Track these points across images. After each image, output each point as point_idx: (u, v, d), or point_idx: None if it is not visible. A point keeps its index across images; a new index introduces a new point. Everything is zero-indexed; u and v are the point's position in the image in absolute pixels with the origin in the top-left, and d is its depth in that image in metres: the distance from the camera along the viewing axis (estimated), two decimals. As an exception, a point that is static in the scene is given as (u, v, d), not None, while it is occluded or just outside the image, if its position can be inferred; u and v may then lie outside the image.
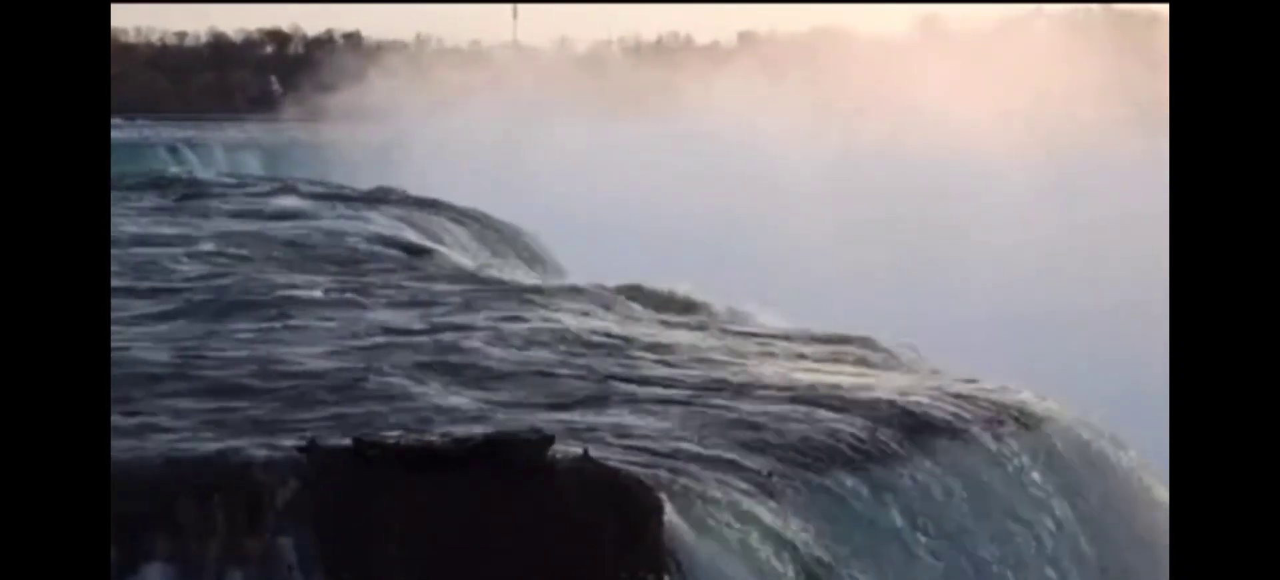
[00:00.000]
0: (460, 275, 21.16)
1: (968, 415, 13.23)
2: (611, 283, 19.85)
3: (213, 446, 10.80)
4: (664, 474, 10.82)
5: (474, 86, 74.22)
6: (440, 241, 26.95)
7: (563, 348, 15.15)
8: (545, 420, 11.89)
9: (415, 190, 35.16)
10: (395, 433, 10.79)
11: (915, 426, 12.80)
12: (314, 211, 29.36)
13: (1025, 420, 13.54)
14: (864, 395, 13.48)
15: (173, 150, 65.19)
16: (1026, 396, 14.16)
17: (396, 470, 9.99)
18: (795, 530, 10.99)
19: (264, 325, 16.00)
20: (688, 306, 19.01)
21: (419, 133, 64.52)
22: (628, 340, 15.81)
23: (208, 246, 22.45)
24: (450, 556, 9.69)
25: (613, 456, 10.77)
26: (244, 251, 22.05)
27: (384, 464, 10.03)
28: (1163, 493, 13.36)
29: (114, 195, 28.26)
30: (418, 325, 16.42)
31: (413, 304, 17.88)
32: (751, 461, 11.56)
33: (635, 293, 19.26)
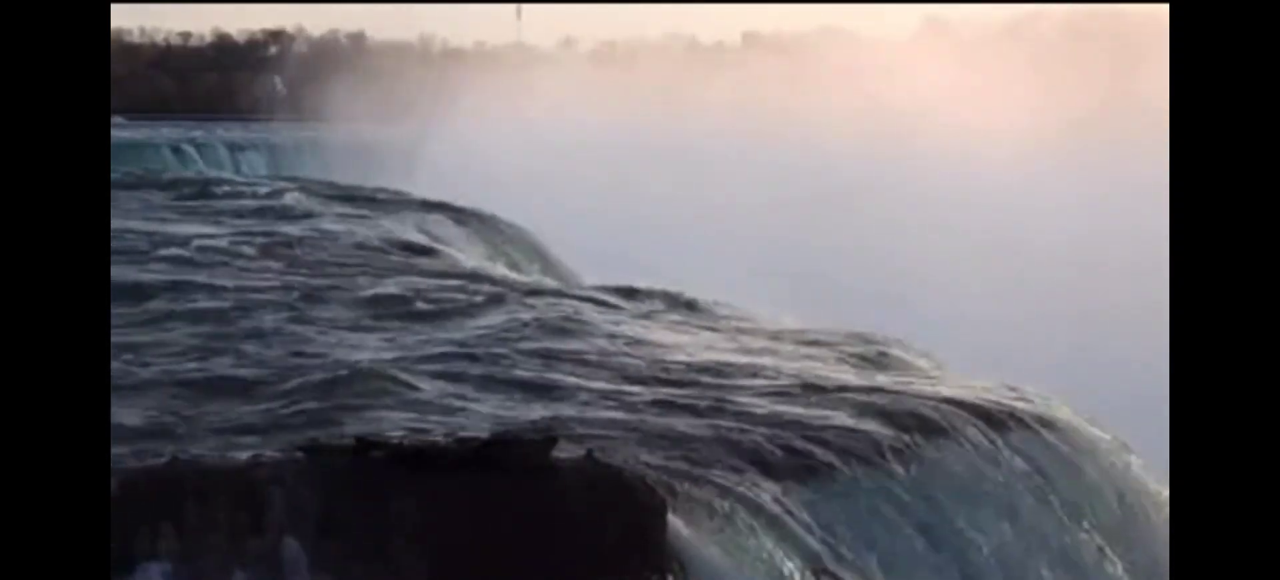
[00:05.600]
0: (465, 275, 21.14)
1: (971, 415, 13.21)
2: (617, 283, 19.84)
3: (215, 446, 10.80)
4: (668, 474, 10.81)
5: (479, 87, 74.25)
6: (446, 242, 26.94)
7: (567, 347, 15.15)
8: (549, 420, 11.89)
9: (420, 191, 35.17)
10: (398, 432, 10.78)
11: (919, 426, 12.79)
12: (318, 212, 29.36)
13: (1028, 420, 13.52)
14: (868, 394, 13.47)
15: (177, 150, 65.27)
16: (1029, 397, 14.14)
17: (400, 470, 9.97)
18: (799, 530, 10.97)
19: (267, 325, 15.99)
20: (693, 306, 18.99)
21: (423, 133, 64.56)
22: (633, 340, 15.81)
23: (211, 246, 22.44)
24: (453, 556, 9.67)
25: (617, 456, 10.76)
26: (247, 251, 22.04)
27: (387, 463, 10.01)
28: (1164, 492, 13.34)
29: (116, 195, 28.27)
30: (422, 325, 16.42)
31: (417, 304, 17.87)
32: (756, 461, 11.54)
33: (641, 292, 19.25)
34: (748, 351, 15.59)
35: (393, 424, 11.42)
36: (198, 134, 71.88)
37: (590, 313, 17.53)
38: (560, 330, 16.13)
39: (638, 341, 15.75)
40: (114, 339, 11.54)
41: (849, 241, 43.87)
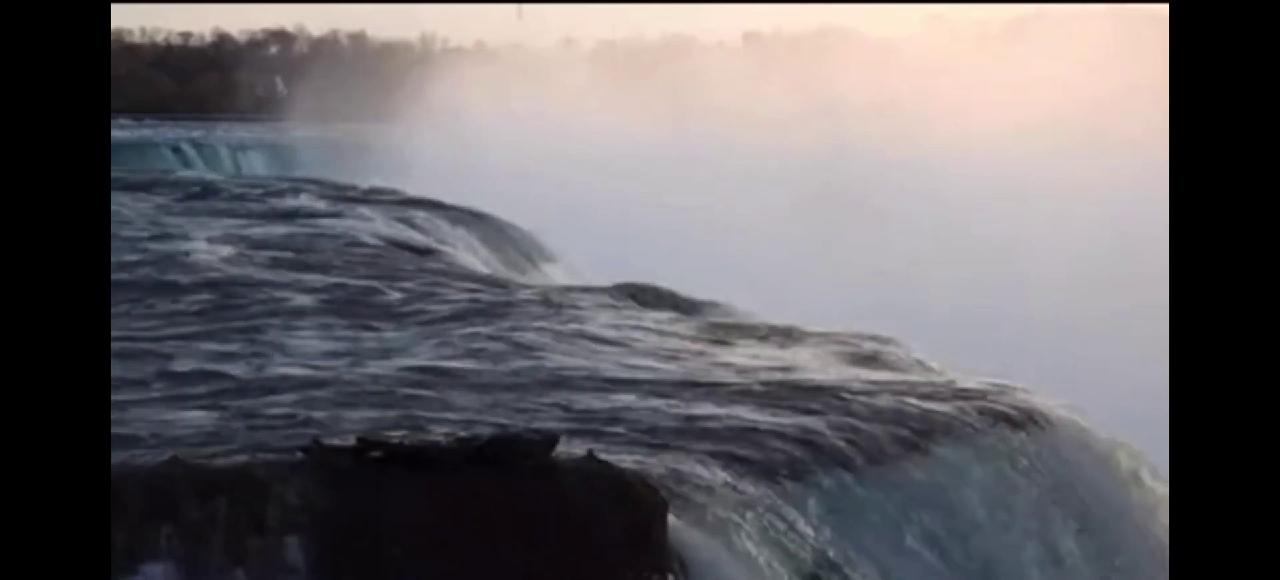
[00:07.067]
0: (466, 275, 21.15)
1: (972, 415, 13.21)
2: (617, 282, 19.84)
3: (215, 447, 10.80)
4: (669, 474, 10.81)
5: (479, 86, 74.19)
6: (446, 242, 26.95)
7: (567, 347, 15.15)
8: (549, 420, 11.88)
9: (420, 190, 35.14)
10: (398, 433, 10.77)
11: (920, 426, 12.79)
12: (319, 212, 29.37)
13: (1029, 421, 13.51)
14: (869, 394, 13.46)
15: (177, 150, 65.21)
16: (1030, 397, 14.14)
17: (400, 470, 9.97)
18: (799, 531, 10.97)
19: (267, 326, 16.00)
20: (694, 306, 19.00)
21: (423, 133, 64.50)
22: (633, 340, 15.81)
23: (212, 246, 22.44)
24: (454, 557, 9.67)
25: (617, 457, 10.75)
26: (248, 252, 22.04)
27: (387, 464, 10.01)
28: (1164, 493, 13.33)
29: (117, 195, 28.28)
30: (421, 325, 16.42)
31: (417, 304, 17.87)
32: (756, 462, 11.54)
33: (641, 292, 19.25)
34: (747, 351, 15.58)
35: (392, 424, 11.41)
36: (198, 134, 71.84)
37: (590, 313, 17.52)
38: (560, 330, 16.12)
39: (637, 341, 15.75)
40: (114, 340, 11.52)
41: (849, 240, 43.86)
